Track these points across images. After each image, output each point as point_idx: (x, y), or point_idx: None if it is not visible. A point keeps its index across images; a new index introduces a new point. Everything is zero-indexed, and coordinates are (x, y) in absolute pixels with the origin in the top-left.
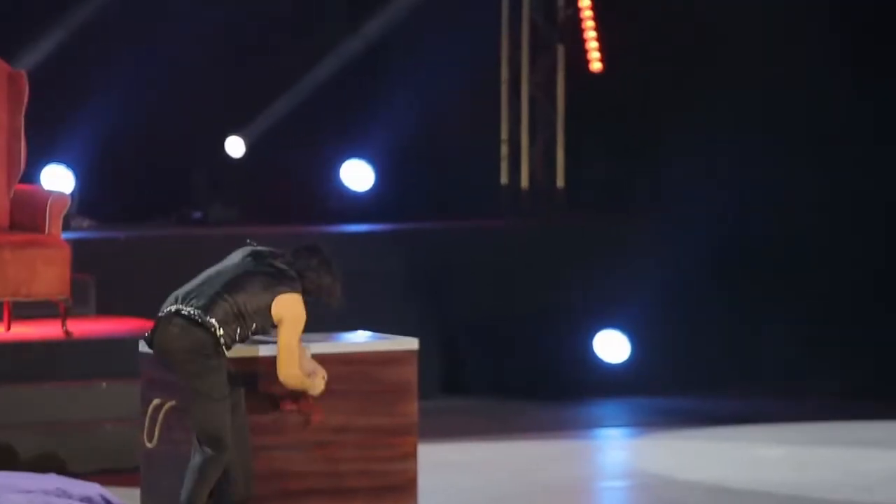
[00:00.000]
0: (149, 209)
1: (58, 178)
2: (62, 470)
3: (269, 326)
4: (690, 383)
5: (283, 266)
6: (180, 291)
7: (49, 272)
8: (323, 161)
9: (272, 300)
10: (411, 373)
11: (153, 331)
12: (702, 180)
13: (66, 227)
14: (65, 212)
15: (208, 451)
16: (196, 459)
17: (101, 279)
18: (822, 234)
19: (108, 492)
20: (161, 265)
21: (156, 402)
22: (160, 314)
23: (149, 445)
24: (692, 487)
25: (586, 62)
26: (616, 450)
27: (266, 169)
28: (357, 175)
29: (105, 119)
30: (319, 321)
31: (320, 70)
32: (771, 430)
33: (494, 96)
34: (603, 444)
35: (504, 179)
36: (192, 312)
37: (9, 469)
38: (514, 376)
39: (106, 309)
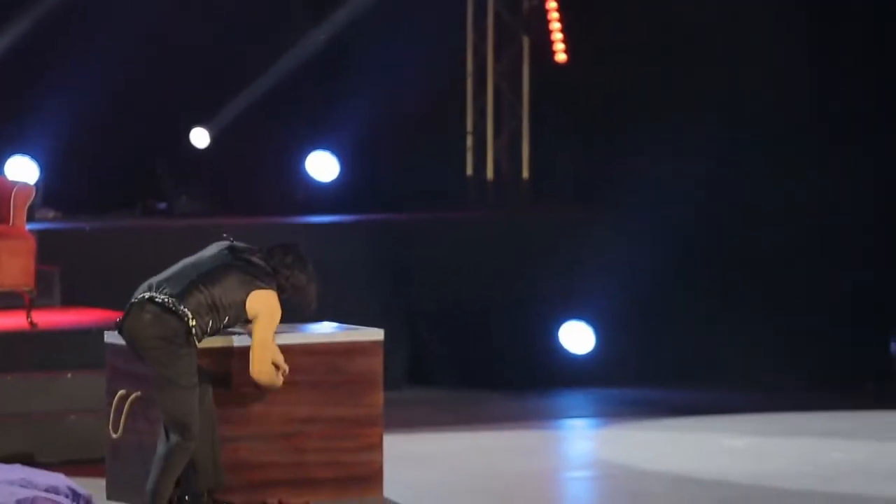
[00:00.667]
0: (114, 200)
1: (22, 169)
2: (28, 461)
3: (242, 321)
4: (655, 374)
5: (259, 262)
6: (155, 279)
7: (13, 263)
8: (288, 152)
9: (248, 295)
10: (377, 363)
11: (124, 317)
12: (667, 172)
13: (30, 218)
14: (29, 203)
15: (175, 438)
16: (162, 448)
17: (66, 270)
18: (786, 228)
19: (74, 482)
20: (126, 256)
21: (121, 392)
22: (133, 300)
23: (114, 436)
24: (657, 477)
25: (551, 53)
26: (581, 440)
27: (231, 160)
28: (322, 166)
29: (70, 110)
30: (288, 312)
31: (285, 61)
32: (735, 421)
33: (460, 88)
34: (568, 434)
35: (469, 171)
36: (165, 300)
37: None
38: (479, 367)
39: (71, 300)
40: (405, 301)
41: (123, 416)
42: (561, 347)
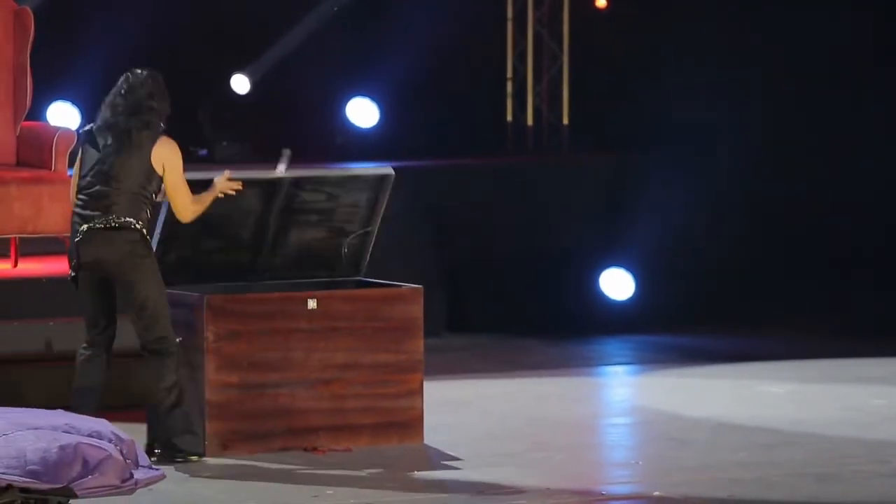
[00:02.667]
0: None
1: (64, 115)
2: (70, 406)
3: (158, 183)
4: (695, 321)
5: (128, 125)
6: (80, 209)
7: (55, 209)
8: (328, 99)
9: (148, 159)
10: (417, 310)
11: (77, 247)
12: (707, 118)
13: (72, 163)
14: (71, 148)
15: (165, 352)
16: (163, 369)
17: None
18: (828, 174)
19: (116, 427)
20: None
21: None
22: (78, 232)
23: None
24: (696, 423)
25: None
26: (620, 387)
27: (271, 107)
28: (362, 112)
29: (111, 56)
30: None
31: (325, 7)
32: (775, 368)
33: (500, 34)
34: (607, 381)
35: (509, 117)
36: (108, 221)
37: (21, 405)
38: (518, 314)
39: None
40: (445, 248)
41: None
42: (601, 294)
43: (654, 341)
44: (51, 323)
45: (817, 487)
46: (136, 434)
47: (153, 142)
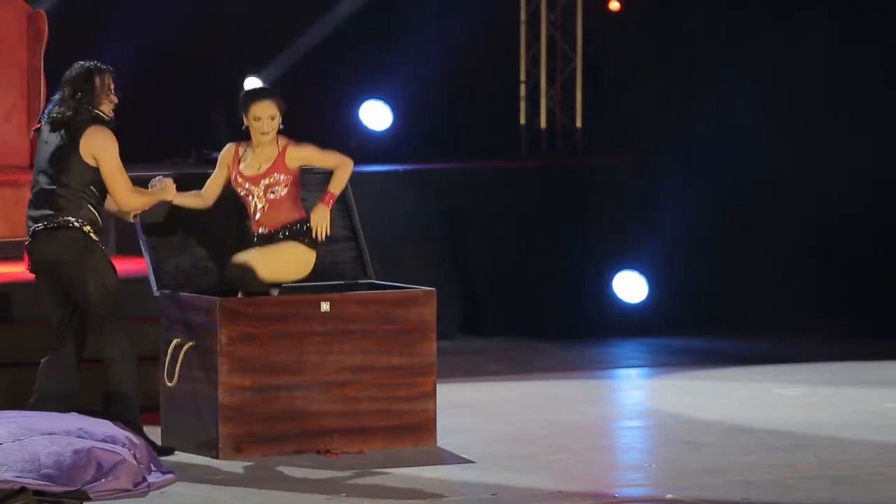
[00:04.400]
0: (167, 148)
1: None
2: (83, 409)
3: (92, 175)
4: (707, 324)
5: (61, 115)
6: (29, 210)
7: None
8: (342, 101)
9: (78, 152)
10: (430, 313)
11: (28, 249)
12: (719, 122)
13: None
14: None
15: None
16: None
17: (121, 219)
18: (841, 178)
19: (130, 431)
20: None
21: (176, 341)
22: (28, 233)
23: (169, 384)
24: (709, 426)
25: (605, 1)
26: (633, 389)
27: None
28: (376, 115)
29: (124, 59)
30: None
31: (339, 9)
32: (787, 370)
33: (513, 36)
34: (620, 383)
35: (522, 120)
36: (51, 221)
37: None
38: (532, 317)
39: (125, 249)
40: (458, 250)
41: (178, 365)
42: (614, 297)
43: (666, 344)
44: None
45: (832, 491)
46: (150, 436)
47: (80, 133)
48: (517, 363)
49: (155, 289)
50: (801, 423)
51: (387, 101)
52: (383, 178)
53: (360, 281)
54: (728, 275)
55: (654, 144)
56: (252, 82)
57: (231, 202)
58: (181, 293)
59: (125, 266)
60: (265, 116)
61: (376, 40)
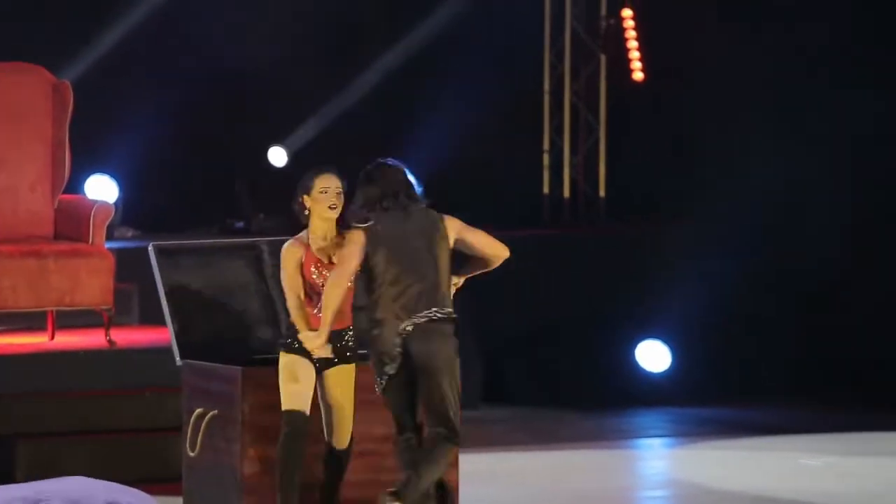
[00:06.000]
0: (192, 219)
1: (102, 188)
2: (104, 479)
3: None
4: (731, 393)
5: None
6: (412, 293)
7: (92, 281)
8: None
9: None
10: None
11: (409, 339)
12: (743, 190)
13: (109, 236)
14: (108, 221)
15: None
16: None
17: (144, 288)
18: (858, 247)
19: (140, 495)
20: None
21: (198, 411)
22: (413, 322)
23: (191, 454)
24: (733, 497)
25: (629, 72)
26: (657, 459)
27: None
28: None
29: (149, 129)
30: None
31: (363, 80)
32: (812, 440)
33: (537, 106)
34: (643, 453)
35: (546, 189)
36: (444, 314)
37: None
38: (554, 386)
39: (149, 318)
40: (482, 319)
41: (200, 435)
42: (637, 366)
43: (690, 413)
44: (87, 396)
45: None
46: None
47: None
48: (540, 432)
49: (178, 358)
50: (826, 493)
51: (410, 170)
52: None
53: None
54: (752, 343)
55: (678, 214)
56: (276, 153)
57: (250, 269)
58: (203, 362)
59: (151, 335)
60: (333, 187)
61: (400, 110)
